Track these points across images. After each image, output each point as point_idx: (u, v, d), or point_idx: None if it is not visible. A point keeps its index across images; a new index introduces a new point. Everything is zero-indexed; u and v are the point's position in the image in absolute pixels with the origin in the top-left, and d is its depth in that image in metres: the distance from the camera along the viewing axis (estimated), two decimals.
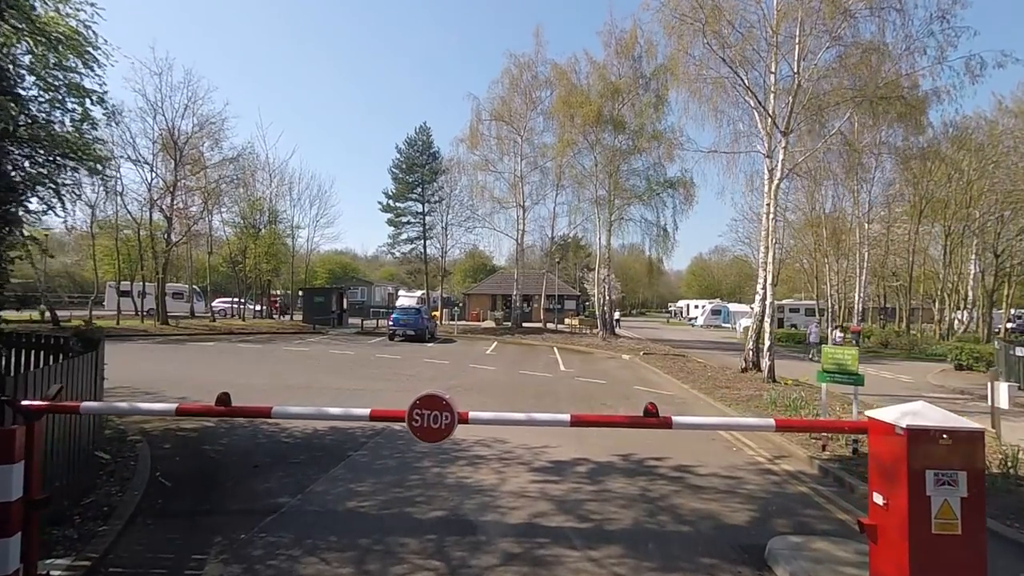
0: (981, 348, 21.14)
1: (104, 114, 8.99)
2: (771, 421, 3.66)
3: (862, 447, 7.29)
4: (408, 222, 46.64)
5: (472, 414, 3.71)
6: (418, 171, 43.86)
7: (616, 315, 54.33)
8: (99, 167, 8.79)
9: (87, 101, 8.68)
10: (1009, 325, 35.93)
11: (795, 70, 14.62)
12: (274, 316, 38.55)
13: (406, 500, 5.67)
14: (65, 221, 12.47)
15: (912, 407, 3.20)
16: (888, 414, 3.25)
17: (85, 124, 8.20)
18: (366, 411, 3.81)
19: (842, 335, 23.18)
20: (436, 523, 5.10)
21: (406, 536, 4.81)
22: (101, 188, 29.42)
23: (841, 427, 4.00)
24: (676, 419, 3.59)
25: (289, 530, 4.86)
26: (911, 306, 37.86)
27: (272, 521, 5.03)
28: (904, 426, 3.06)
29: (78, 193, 10.20)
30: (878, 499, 3.23)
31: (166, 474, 6.27)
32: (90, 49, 8.77)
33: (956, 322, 35.43)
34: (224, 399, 3.75)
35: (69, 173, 8.08)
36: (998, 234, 31.24)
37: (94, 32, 8.61)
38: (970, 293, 35.48)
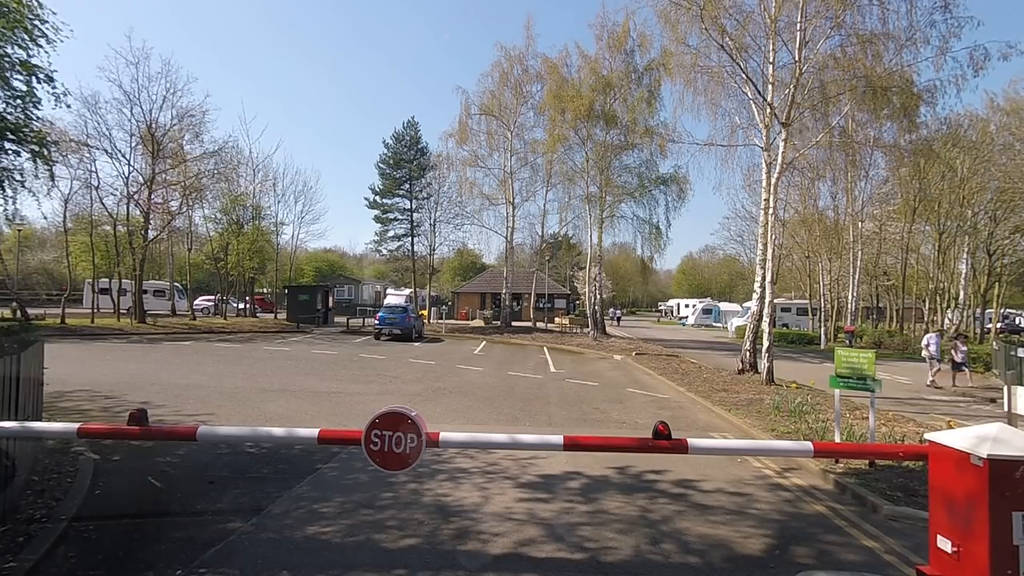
0: (978, 348, 20.75)
1: (52, 94, 8.17)
2: (808, 445, 3.02)
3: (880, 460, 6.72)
4: (395, 219, 45.80)
5: (443, 435, 3.05)
6: (406, 167, 42.98)
7: (618, 312, 54.37)
8: (44, 151, 7.94)
9: (33, 79, 7.91)
10: (998, 325, 35.74)
11: (796, 58, 14.05)
12: (257, 315, 37.60)
13: (376, 524, 4.99)
14: (5, 210, 11.57)
15: (988, 430, 2.56)
16: (958, 438, 2.61)
17: (28, 102, 7.41)
18: (313, 432, 3.12)
19: (965, 347, 17.93)
20: (408, 554, 4.42)
21: (371, 571, 4.13)
22: (75, 180, 28.55)
23: (894, 452, 3.34)
24: (693, 442, 2.94)
25: (235, 564, 4.16)
26: (903, 306, 37.64)
27: (217, 552, 4.33)
28: (984, 455, 2.42)
29: (21, 179, 9.34)
30: (944, 544, 2.59)
31: (107, 493, 5.56)
32: (37, 22, 7.98)
33: (947, 322, 35.20)
34: (139, 416, 3.05)
35: (10, 157, 7.29)
36: (991, 233, 31.01)
37: (40, 2, 7.83)
38: (961, 293, 35.28)
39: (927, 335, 19.17)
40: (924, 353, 18.16)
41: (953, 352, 17.77)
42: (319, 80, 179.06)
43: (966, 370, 17.69)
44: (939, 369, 17.52)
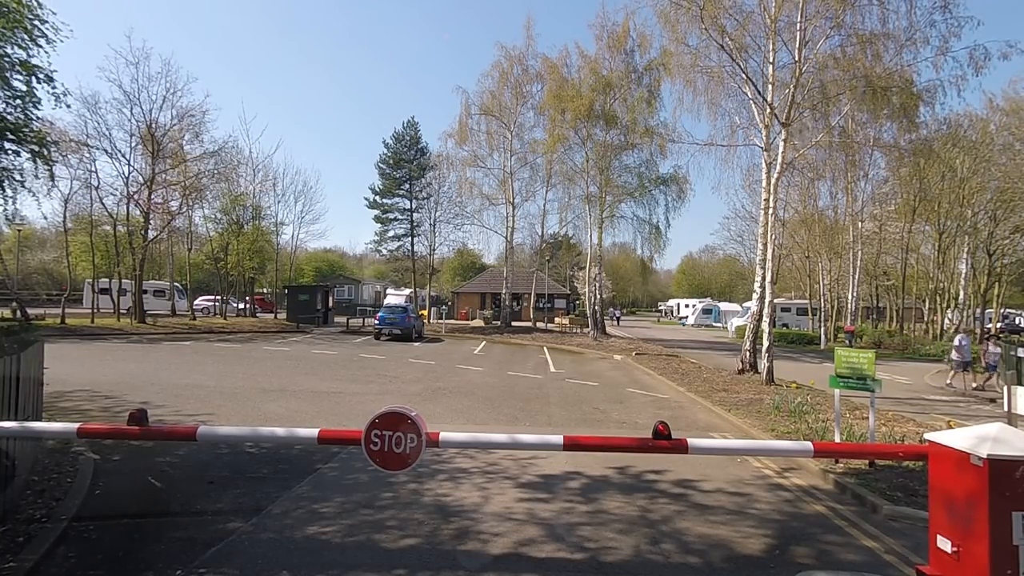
0: (978, 348, 20.71)
1: (52, 94, 8.17)
2: (808, 445, 3.02)
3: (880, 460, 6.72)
4: (395, 219, 45.83)
5: (444, 435, 3.05)
6: (406, 167, 42.99)
7: (618, 312, 54.45)
8: (44, 151, 7.93)
9: (33, 79, 7.90)
10: (998, 324, 35.74)
11: (796, 58, 14.06)
12: (257, 315, 37.60)
13: (375, 524, 4.99)
14: (5, 210, 11.58)
15: (989, 430, 2.56)
16: (958, 438, 2.61)
17: (28, 102, 7.41)
18: (313, 432, 3.12)
19: (997, 349, 16.40)
20: (407, 554, 4.42)
21: (371, 571, 4.13)
22: (75, 180, 28.58)
23: (894, 452, 3.33)
24: (693, 442, 2.93)
25: (235, 564, 4.16)
26: (904, 305, 37.63)
27: (217, 552, 4.33)
28: (984, 455, 2.42)
29: (21, 179, 9.34)
30: (944, 545, 2.59)
31: (107, 493, 5.56)
32: (37, 22, 7.97)
33: (947, 322, 35.21)
34: (139, 416, 3.05)
35: (10, 157, 7.28)
36: (991, 233, 31.03)
37: (40, 2, 7.83)
38: (961, 293, 35.29)
39: (957, 335, 18.01)
40: (954, 355, 17.06)
41: (983, 355, 16.75)
42: (319, 80, 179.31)
43: (993, 373, 16.58)
44: (955, 373, 16.85)
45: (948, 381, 17.11)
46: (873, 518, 5.55)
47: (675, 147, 20.72)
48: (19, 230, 33.98)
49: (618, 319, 52.85)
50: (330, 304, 36.70)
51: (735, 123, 17.06)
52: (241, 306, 38.37)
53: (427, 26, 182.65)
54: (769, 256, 15.14)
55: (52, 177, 20.87)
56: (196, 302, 37.11)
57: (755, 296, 15.74)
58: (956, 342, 17.37)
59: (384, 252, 48.95)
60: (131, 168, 27.73)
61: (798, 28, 14.12)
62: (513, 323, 36.16)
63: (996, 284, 33.50)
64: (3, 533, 4.37)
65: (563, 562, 4.37)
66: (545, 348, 25.21)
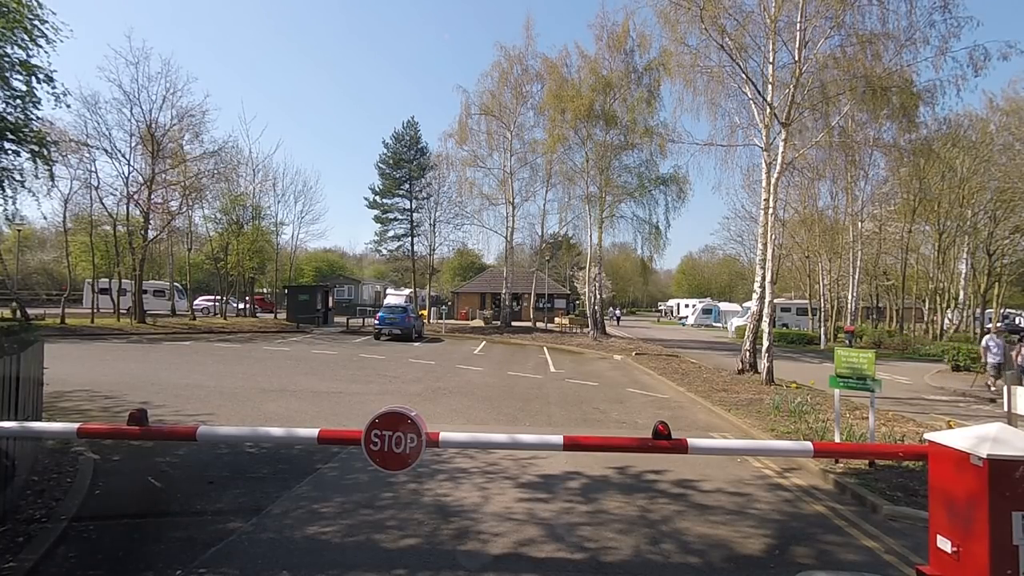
0: (978, 348, 20.69)
1: (52, 94, 8.17)
2: (808, 445, 3.02)
3: (880, 460, 6.72)
4: (395, 219, 45.83)
5: (443, 435, 3.05)
6: (405, 166, 42.99)
7: (618, 312, 54.52)
8: (44, 151, 7.93)
9: (33, 79, 7.90)
10: (997, 324, 35.69)
11: (796, 58, 14.06)
12: (257, 315, 37.59)
13: (375, 524, 4.99)
14: (5, 210, 11.58)
15: (988, 430, 2.56)
16: (958, 438, 2.61)
17: (28, 102, 7.40)
18: (313, 432, 3.12)
19: None
20: (407, 554, 4.42)
21: (371, 571, 4.13)
22: (75, 180, 28.58)
23: (894, 452, 3.33)
24: (693, 442, 2.94)
25: (234, 564, 4.16)
26: (903, 305, 37.63)
27: (217, 552, 4.32)
28: (983, 455, 2.42)
29: (21, 179, 9.34)
30: (944, 544, 2.59)
31: (107, 493, 5.56)
32: (37, 22, 7.97)
33: (947, 322, 35.21)
34: (139, 416, 3.05)
35: (10, 157, 7.28)
36: (991, 233, 31.03)
37: (39, 2, 7.83)
38: (961, 293, 35.29)
39: (986, 337, 16.85)
40: (988, 358, 15.87)
41: (1015, 357, 15.19)
42: (319, 80, 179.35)
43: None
44: (992, 377, 15.61)
45: (987, 384, 15.98)
46: (873, 518, 5.55)
47: (675, 147, 20.68)
48: (19, 230, 33.96)
49: (618, 319, 52.92)
50: (330, 304, 36.70)
51: (735, 123, 17.08)
52: (241, 306, 38.35)
53: (427, 26, 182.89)
54: (769, 256, 15.15)
55: (52, 177, 20.85)
56: (196, 302, 37.09)
57: (755, 296, 15.74)
58: (984, 344, 16.58)
59: (384, 252, 48.96)
60: (131, 168, 27.79)
61: (798, 28, 14.12)
62: (513, 323, 36.16)
63: (996, 284, 33.49)
64: (3, 533, 4.37)
65: (563, 562, 4.37)
66: (545, 348, 25.21)
